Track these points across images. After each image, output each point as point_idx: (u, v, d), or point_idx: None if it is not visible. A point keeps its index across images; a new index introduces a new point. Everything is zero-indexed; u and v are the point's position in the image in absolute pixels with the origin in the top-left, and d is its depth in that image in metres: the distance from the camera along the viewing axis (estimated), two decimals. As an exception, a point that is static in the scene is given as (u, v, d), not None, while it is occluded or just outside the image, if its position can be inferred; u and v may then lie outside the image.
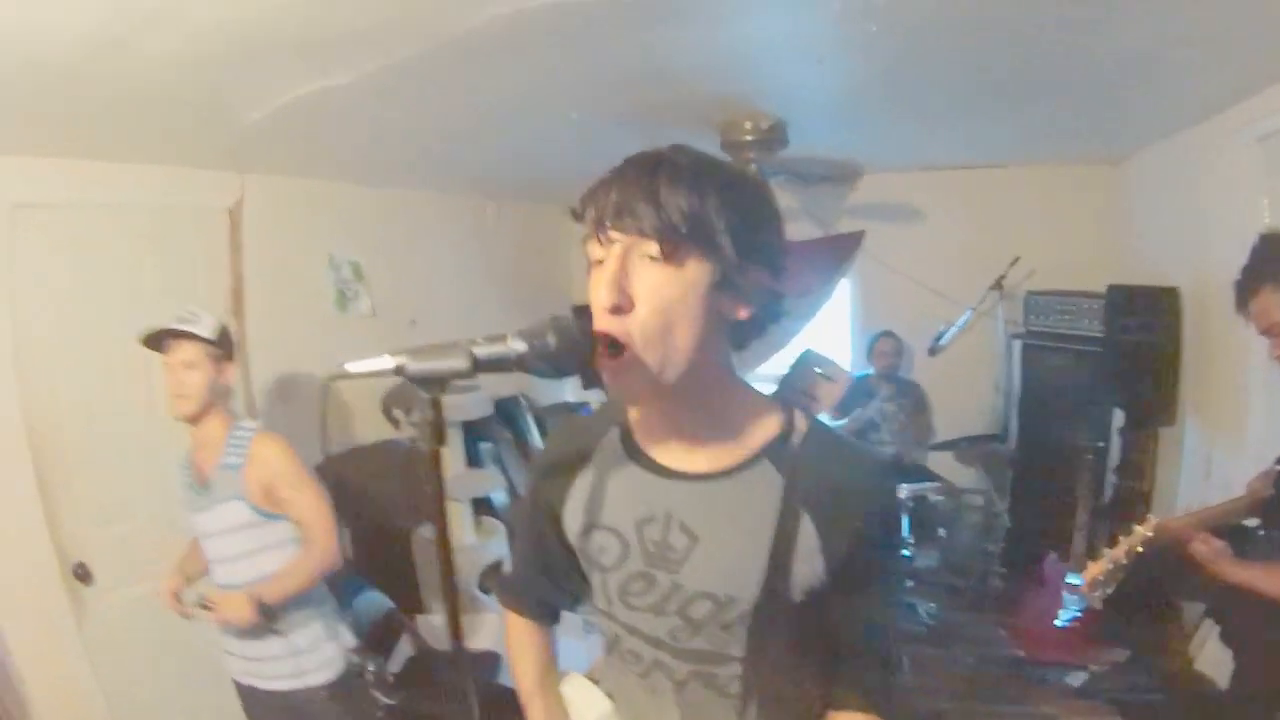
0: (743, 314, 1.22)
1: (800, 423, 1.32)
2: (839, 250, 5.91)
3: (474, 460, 4.87)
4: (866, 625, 1.34)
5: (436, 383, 1.07)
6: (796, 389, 3.94)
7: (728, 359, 1.28)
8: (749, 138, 3.78)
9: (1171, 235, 4.41)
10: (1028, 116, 3.99)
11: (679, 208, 1.12)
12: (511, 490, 5.16)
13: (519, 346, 1.08)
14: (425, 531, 4.56)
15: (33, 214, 3.17)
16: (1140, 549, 2.39)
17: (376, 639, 3.49)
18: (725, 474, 1.27)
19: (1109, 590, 2.48)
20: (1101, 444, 4.39)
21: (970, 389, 5.61)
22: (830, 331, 6.17)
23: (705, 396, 1.26)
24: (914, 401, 5.48)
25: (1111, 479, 4.59)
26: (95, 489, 3.37)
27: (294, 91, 2.78)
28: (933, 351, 5.24)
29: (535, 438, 5.53)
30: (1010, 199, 5.45)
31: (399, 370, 1.06)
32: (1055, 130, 4.34)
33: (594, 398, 6.19)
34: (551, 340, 1.08)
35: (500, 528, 4.80)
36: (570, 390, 6.34)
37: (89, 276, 3.40)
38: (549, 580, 1.56)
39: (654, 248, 1.13)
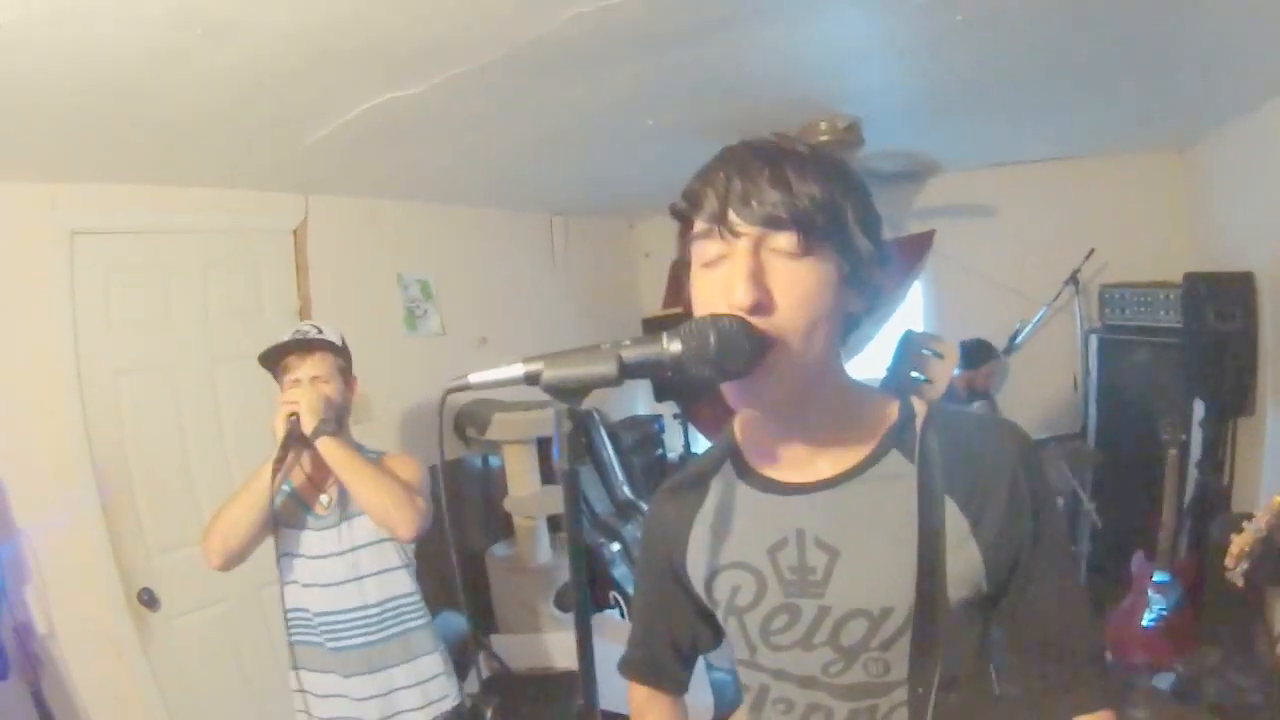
0: (859, 308, 1.14)
1: (919, 406, 1.22)
2: (910, 252, 5.77)
3: (547, 477, 4.78)
4: (1061, 611, 1.20)
5: (576, 392, 0.99)
6: (906, 374, 3.81)
7: (840, 355, 1.18)
8: (825, 138, 3.67)
9: (1245, 219, 4.29)
10: (1103, 103, 3.88)
11: (812, 195, 1.03)
12: (588, 507, 5.11)
13: (674, 348, 0.99)
14: (498, 550, 4.53)
15: (92, 240, 3.16)
16: (1277, 520, 2.36)
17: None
18: (852, 474, 1.17)
19: (1246, 566, 2.41)
20: (1184, 437, 4.25)
21: (1048, 387, 5.46)
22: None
23: (825, 396, 1.16)
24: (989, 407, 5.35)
25: (1193, 473, 4.43)
26: (160, 515, 3.36)
27: (362, 104, 2.73)
28: (1008, 351, 5.13)
29: (609, 452, 5.45)
30: (1080, 192, 5.30)
31: (532, 379, 0.98)
32: (1128, 116, 4.23)
33: (666, 410, 6.17)
34: (713, 340, 0.98)
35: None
36: (642, 403, 6.31)
37: (152, 302, 3.40)
38: (674, 649, 1.44)
39: (788, 240, 1.03)
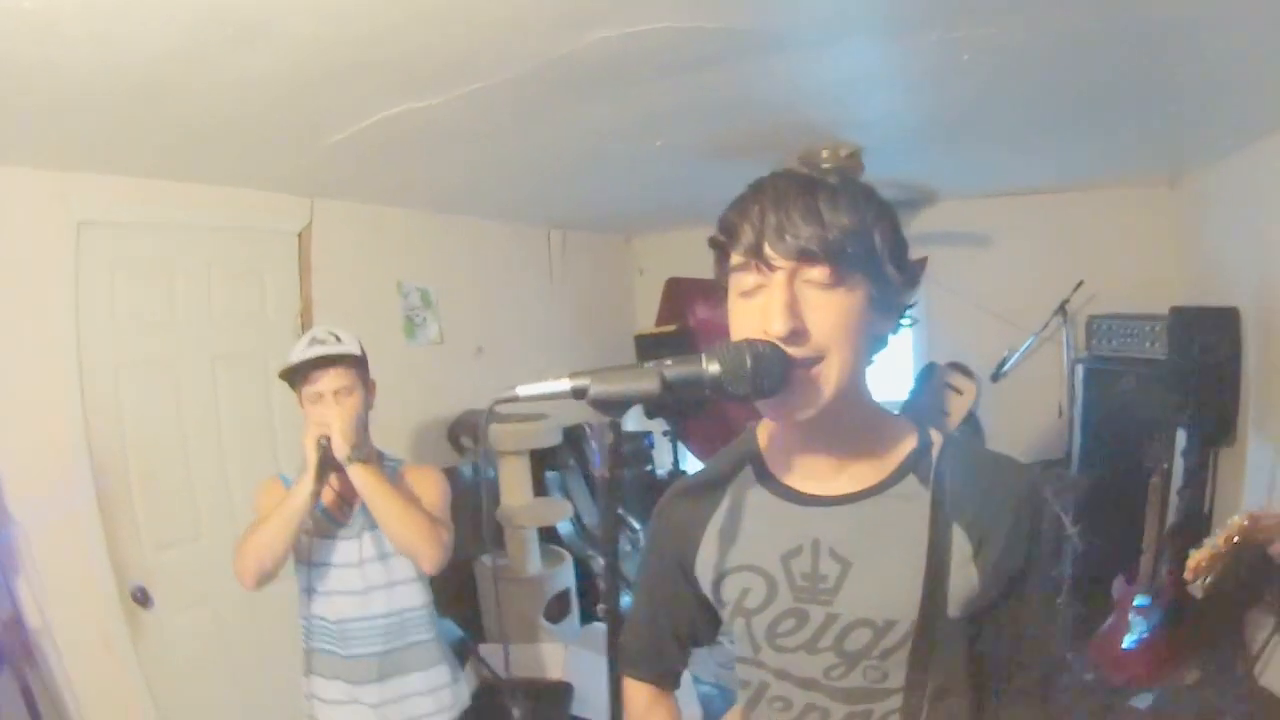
0: (885, 329, 1.21)
1: (935, 436, 1.30)
2: (903, 279, 5.78)
3: (540, 489, 4.83)
4: (1025, 641, 1.29)
5: (619, 406, 1.05)
6: (926, 405, 3.91)
7: (866, 377, 1.24)
8: (827, 164, 3.70)
9: (1232, 254, 4.37)
10: (1099, 136, 3.94)
11: (843, 227, 1.09)
12: (577, 519, 5.14)
13: (713, 368, 1.05)
14: (487, 560, 4.55)
15: (99, 232, 3.15)
16: (1237, 538, 2.46)
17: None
18: (870, 493, 1.24)
19: (1208, 580, 2.50)
20: (1166, 465, 4.33)
21: (1033, 414, 5.53)
22: (891, 360, 5.95)
23: (849, 417, 1.22)
24: (973, 432, 5.41)
25: (1175, 500, 4.50)
26: (156, 512, 3.35)
27: (380, 113, 2.74)
28: (995, 378, 5.21)
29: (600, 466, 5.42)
30: (1072, 223, 5.39)
31: (579, 393, 1.04)
32: (1123, 149, 4.30)
33: (655, 426, 6.22)
34: (749, 362, 1.04)
35: (567, 557, 4.78)
36: (632, 419, 6.31)
37: (155, 297, 3.40)
38: (676, 642, 1.50)
39: (821, 272, 1.09)
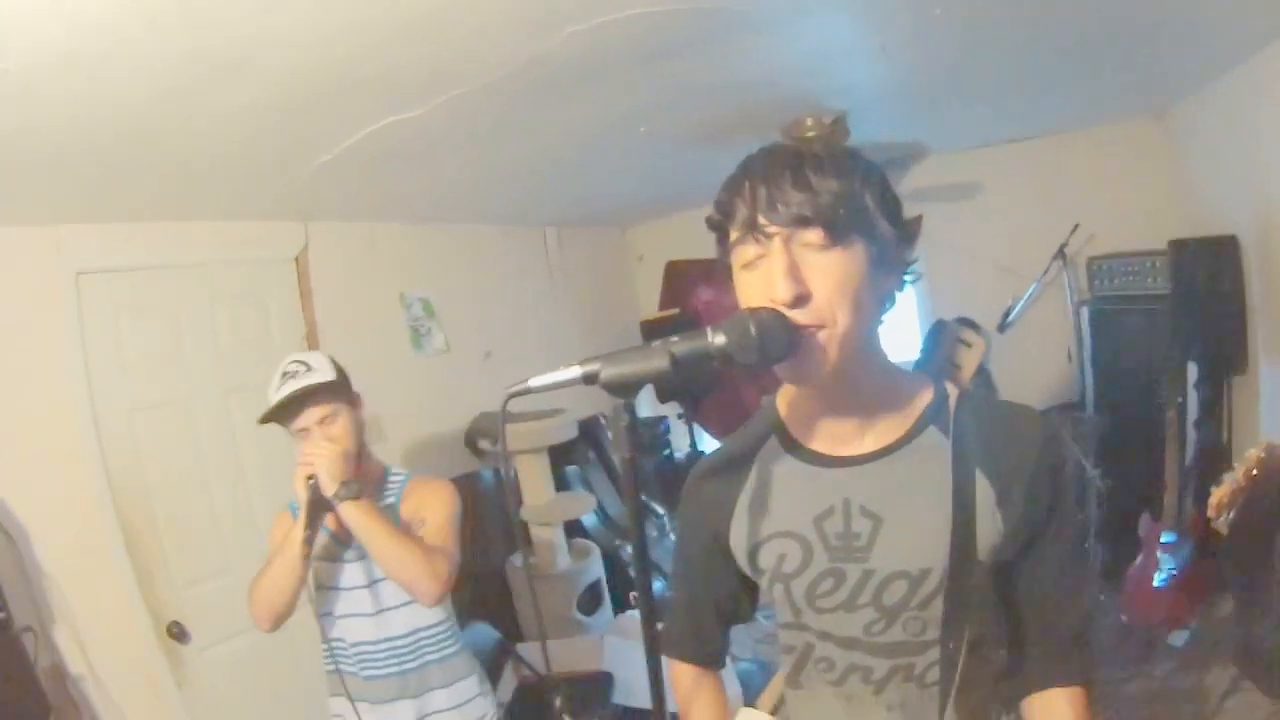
0: (890, 287, 1.23)
1: (951, 390, 1.33)
2: (900, 238, 5.76)
3: (561, 485, 4.85)
4: (1054, 589, 1.32)
5: (631, 388, 1.06)
6: (939, 360, 3.93)
7: (879, 337, 1.27)
8: (812, 133, 3.69)
9: (1225, 182, 4.35)
10: (1082, 79, 3.94)
11: (832, 191, 1.12)
12: (601, 511, 5.17)
13: (719, 340, 1.07)
14: (517, 560, 4.57)
15: (98, 280, 3.17)
16: (1256, 470, 2.44)
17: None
18: (895, 448, 1.28)
19: (1232, 514, 2.50)
20: (1181, 399, 4.33)
21: (1044, 360, 5.52)
22: (898, 320, 5.89)
23: (868, 376, 1.26)
24: (985, 386, 5.39)
25: (1192, 433, 4.49)
26: (185, 548, 3.38)
27: (365, 129, 2.75)
28: (1002, 328, 5.18)
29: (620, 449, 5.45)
30: (1063, 167, 5.37)
31: (590, 378, 1.06)
32: (1106, 89, 4.28)
33: (670, 410, 6.24)
34: (753, 330, 1.07)
35: (594, 549, 4.81)
36: (646, 406, 6.36)
37: (161, 337, 3.42)
38: (718, 620, 1.53)
39: (816, 234, 1.12)
